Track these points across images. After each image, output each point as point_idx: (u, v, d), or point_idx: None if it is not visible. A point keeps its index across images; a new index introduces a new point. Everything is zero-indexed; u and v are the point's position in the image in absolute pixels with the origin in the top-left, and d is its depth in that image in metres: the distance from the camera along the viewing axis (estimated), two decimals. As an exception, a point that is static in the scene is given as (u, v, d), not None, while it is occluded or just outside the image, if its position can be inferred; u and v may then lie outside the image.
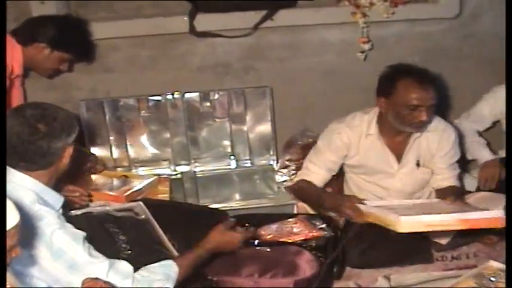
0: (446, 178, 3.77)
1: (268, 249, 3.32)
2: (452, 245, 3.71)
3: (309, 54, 4.48)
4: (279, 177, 4.31)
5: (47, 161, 2.63)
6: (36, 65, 3.90)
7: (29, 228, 2.47)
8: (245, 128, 4.47)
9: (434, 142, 3.71)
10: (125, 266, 2.69)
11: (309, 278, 3.10)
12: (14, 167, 2.62)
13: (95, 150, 4.43)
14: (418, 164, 3.75)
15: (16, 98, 3.96)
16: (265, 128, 4.45)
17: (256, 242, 3.39)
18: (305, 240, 3.40)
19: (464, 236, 3.61)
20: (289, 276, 3.10)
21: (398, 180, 3.77)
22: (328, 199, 3.62)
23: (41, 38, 3.78)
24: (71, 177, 3.43)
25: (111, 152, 4.49)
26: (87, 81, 4.51)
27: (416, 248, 3.69)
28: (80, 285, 2.45)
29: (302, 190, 3.82)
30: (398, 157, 3.73)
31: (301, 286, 3.06)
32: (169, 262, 2.81)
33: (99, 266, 2.63)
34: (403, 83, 3.48)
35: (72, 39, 3.87)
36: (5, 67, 3.55)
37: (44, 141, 2.57)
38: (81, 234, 2.66)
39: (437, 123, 3.73)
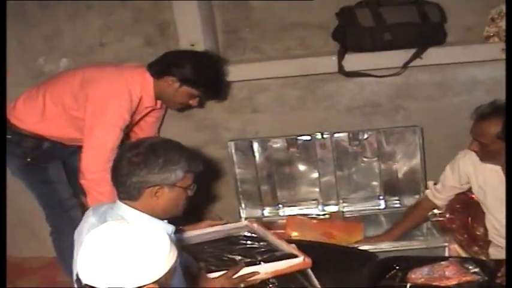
0: None
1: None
2: None
3: (458, 92, 4.42)
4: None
5: (130, 194, 2.81)
6: (166, 98, 3.99)
7: None
8: (394, 168, 4.42)
9: None
10: None
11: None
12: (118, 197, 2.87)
13: (244, 190, 4.52)
14: None
15: (144, 129, 4.21)
16: (415, 167, 4.37)
17: (408, 285, 3.34)
18: (458, 284, 3.30)
19: None
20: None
21: None
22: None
23: (172, 72, 3.86)
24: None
25: (259, 191, 4.54)
26: (236, 121, 4.62)
27: None
28: None
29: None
30: None
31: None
32: None
33: None
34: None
35: (202, 77, 3.90)
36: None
37: (127, 171, 2.77)
38: None
39: None
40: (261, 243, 3.54)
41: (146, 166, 2.76)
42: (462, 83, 4.42)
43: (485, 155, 3.60)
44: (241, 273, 3.12)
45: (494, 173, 3.67)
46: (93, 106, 3.75)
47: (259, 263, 3.27)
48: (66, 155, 4.08)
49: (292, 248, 3.46)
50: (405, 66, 4.27)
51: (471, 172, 3.79)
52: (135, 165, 2.76)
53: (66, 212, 4.11)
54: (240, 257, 3.34)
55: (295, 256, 3.35)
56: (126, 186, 2.78)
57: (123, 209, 2.82)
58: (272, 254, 3.39)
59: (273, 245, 3.52)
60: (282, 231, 4.11)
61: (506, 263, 2.70)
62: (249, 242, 3.56)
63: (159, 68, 3.91)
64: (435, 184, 4.00)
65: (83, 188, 3.82)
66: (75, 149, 3.98)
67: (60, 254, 4.25)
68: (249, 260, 3.31)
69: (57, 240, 4.22)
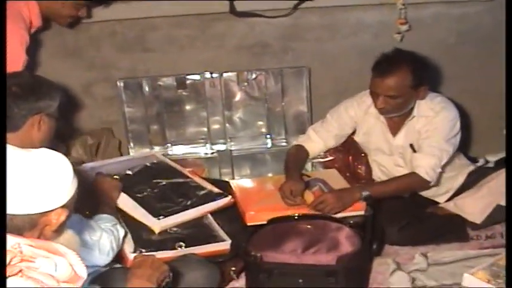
0: (416, 166, 3.63)
1: (309, 226, 3.34)
2: (486, 224, 3.75)
3: (347, 35, 4.48)
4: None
5: (14, 124, 2.67)
6: (53, 13, 3.85)
7: None
8: (282, 108, 4.49)
9: (425, 125, 3.67)
10: None
11: (350, 254, 3.10)
12: None
13: (133, 129, 4.51)
14: (413, 148, 3.72)
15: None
16: (302, 107, 4.48)
17: (296, 216, 3.43)
18: (344, 217, 3.45)
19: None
20: (332, 252, 3.10)
21: (395, 160, 3.83)
22: (286, 175, 3.74)
23: None
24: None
25: (148, 130, 4.54)
26: (126, 60, 4.53)
27: (452, 226, 3.76)
28: None
29: (288, 155, 3.94)
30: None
31: (343, 262, 3.06)
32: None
33: None
34: (373, 69, 3.58)
35: None
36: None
37: (11, 100, 2.64)
38: None
39: (435, 105, 3.67)
40: (189, 180, 3.62)
41: (32, 93, 2.69)
42: (350, 26, 4.48)
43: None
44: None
45: (378, 121, 3.81)
46: None
47: (203, 203, 3.41)
48: None
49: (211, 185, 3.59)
50: (296, 7, 4.32)
51: (360, 120, 3.89)
52: (20, 94, 2.67)
53: None
54: (181, 199, 3.42)
55: (226, 195, 3.50)
56: (10, 114, 2.63)
57: None
58: (207, 192, 3.51)
59: (196, 180, 3.63)
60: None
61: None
62: (175, 176, 3.64)
63: None
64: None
65: None
66: None
67: None
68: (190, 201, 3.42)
69: None
